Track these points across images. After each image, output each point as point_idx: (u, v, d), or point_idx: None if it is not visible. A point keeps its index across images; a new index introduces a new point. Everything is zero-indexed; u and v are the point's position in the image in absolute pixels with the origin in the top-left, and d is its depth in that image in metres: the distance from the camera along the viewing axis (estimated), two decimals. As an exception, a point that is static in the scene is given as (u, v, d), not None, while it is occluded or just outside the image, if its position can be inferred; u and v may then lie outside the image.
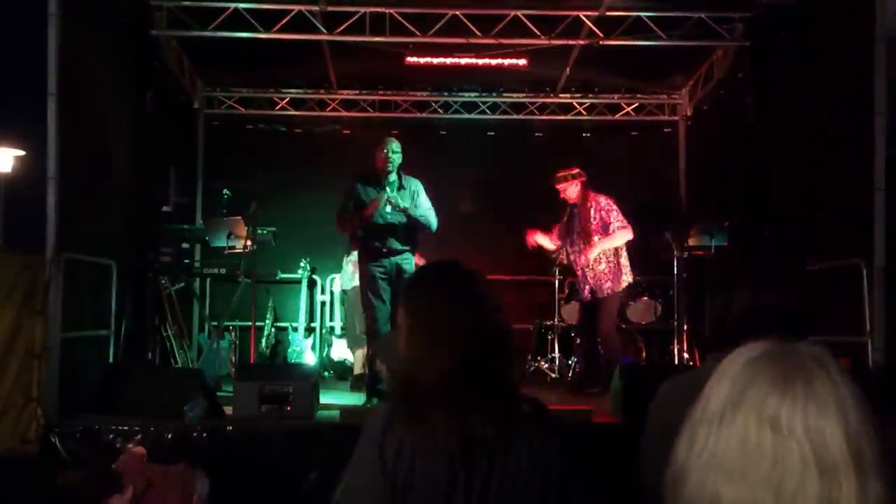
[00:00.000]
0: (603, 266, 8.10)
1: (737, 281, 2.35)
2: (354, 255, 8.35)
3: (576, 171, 8.26)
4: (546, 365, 9.55)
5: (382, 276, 7.27)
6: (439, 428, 2.04)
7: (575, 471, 2.16)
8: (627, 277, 8.19)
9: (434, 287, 2.30)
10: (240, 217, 8.60)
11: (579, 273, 8.27)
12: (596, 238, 8.01)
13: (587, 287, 8.17)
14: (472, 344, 2.14)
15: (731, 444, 1.35)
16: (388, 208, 7.27)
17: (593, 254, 8.01)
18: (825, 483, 1.28)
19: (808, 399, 1.32)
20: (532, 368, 9.60)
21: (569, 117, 11.60)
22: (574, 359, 9.50)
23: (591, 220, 8.09)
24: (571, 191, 8.23)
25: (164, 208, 9.05)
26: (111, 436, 5.96)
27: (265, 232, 8.96)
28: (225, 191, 9.11)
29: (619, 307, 9.69)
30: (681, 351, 8.81)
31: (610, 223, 8.03)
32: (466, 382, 2.09)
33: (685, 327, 9.03)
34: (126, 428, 5.96)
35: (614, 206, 8.11)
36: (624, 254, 8.19)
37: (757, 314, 2.38)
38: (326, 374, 10.04)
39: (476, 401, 2.07)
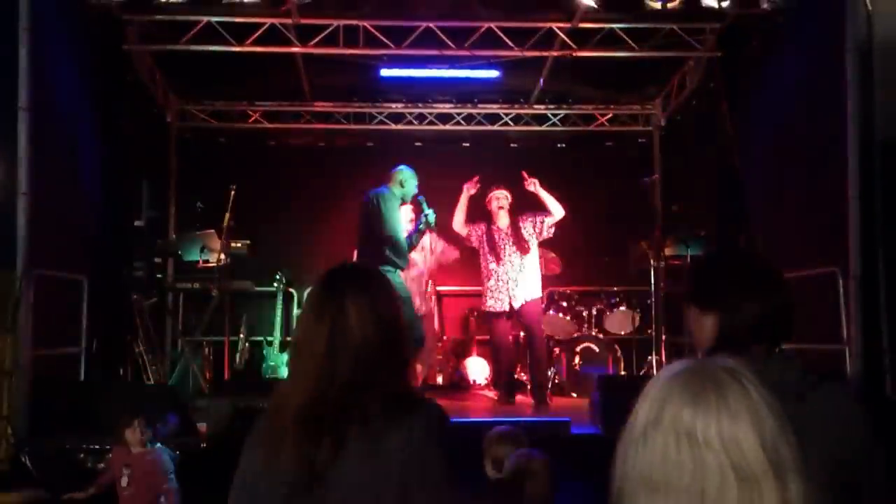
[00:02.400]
0: (523, 274, 8.36)
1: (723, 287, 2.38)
2: None
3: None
4: (525, 376, 9.51)
5: None
6: (284, 456, 2.00)
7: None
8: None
9: (310, 297, 2.21)
10: (213, 231, 8.53)
11: (496, 281, 8.37)
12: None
13: (506, 298, 8.31)
14: (335, 361, 2.04)
15: (654, 460, 1.40)
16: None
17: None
18: (745, 490, 1.33)
19: (721, 410, 1.38)
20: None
21: (543, 128, 11.61)
22: (554, 369, 9.47)
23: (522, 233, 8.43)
24: (507, 203, 8.51)
25: (137, 223, 8.96)
26: (82, 455, 5.88)
27: (239, 245, 8.89)
28: (199, 203, 9.03)
29: (598, 316, 9.76)
30: (659, 361, 8.81)
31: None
32: (320, 408, 2.01)
33: (663, 337, 9.04)
34: (97, 446, 5.88)
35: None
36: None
37: (733, 329, 2.35)
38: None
39: (327, 429, 1.99)
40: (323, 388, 2.02)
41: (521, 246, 8.33)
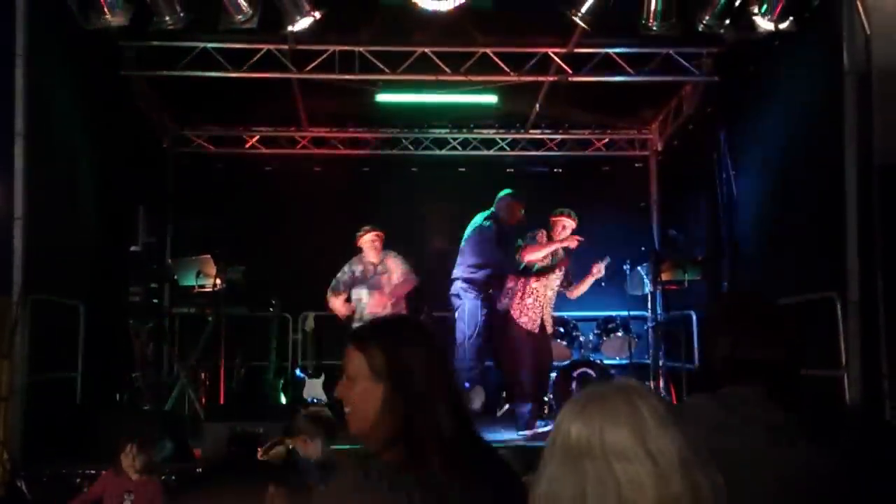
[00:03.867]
0: (527, 301, 8.26)
1: (714, 322, 2.33)
2: None
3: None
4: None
5: None
6: None
7: None
8: None
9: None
10: (209, 256, 8.51)
11: (541, 305, 8.29)
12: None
13: (538, 320, 8.24)
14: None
15: (544, 485, 1.45)
16: None
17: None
18: (627, 492, 1.37)
19: (605, 419, 1.42)
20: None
21: (540, 153, 11.63)
22: (550, 395, 9.43)
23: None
24: (568, 224, 8.29)
25: (133, 248, 8.93)
26: (78, 479, 5.85)
27: (235, 271, 8.87)
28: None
29: (594, 341, 9.74)
30: (657, 387, 8.77)
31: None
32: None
33: (661, 363, 9.01)
34: (93, 472, 5.84)
35: None
36: None
37: (735, 366, 2.38)
38: (299, 414, 9.89)
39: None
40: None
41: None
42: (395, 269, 8.82)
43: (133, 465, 5.23)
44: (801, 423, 2.24)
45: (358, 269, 8.84)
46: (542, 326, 8.21)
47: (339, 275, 8.86)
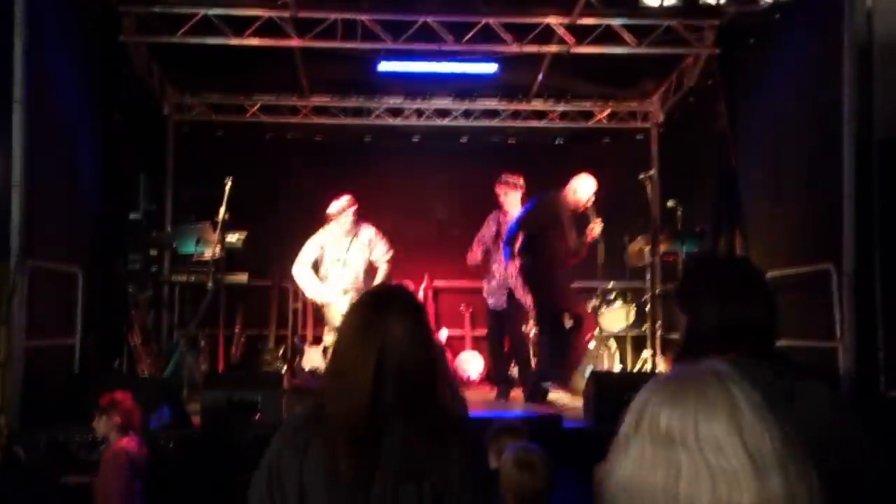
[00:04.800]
0: (508, 272, 8.44)
1: (703, 290, 2.33)
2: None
3: (521, 181, 8.35)
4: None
5: None
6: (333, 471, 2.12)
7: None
8: None
9: (354, 317, 2.35)
10: (208, 223, 8.52)
11: (499, 279, 8.35)
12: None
13: (505, 293, 8.44)
14: (380, 383, 2.16)
15: (629, 469, 1.38)
16: None
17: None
18: (722, 487, 1.30)
19: (699, 408, 1.35)
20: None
21: (542, 124, 11.60)
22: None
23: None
24: (512, 197, 8.36)
25: (133, 215, 8.95)
26: (75, 446, 5.88)
27: (235, 238, 8.89)
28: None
29: (593, 312, 9.76)
30: (654, 357, 8.81)
31: None
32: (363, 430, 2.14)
33: (658, 334, 9.04)
34: (91, 438, 5.86)
35: None
36: None
37: (721, 331, 2.37)
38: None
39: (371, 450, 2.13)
40: (368, 410, 2.11)
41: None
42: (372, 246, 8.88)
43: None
44: (795, 378, 2.24)
45: (325, 242, 8.97)
46: (512, 298, 8.43)
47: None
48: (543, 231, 8.12)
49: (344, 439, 2.10)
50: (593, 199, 8.31)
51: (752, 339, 2.32)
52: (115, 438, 5.18)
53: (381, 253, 8.73)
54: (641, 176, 8.62)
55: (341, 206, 8.64)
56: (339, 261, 8.72)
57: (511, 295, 8.53)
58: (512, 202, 8.57)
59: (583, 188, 8.27)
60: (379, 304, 2.27)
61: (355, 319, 2.27)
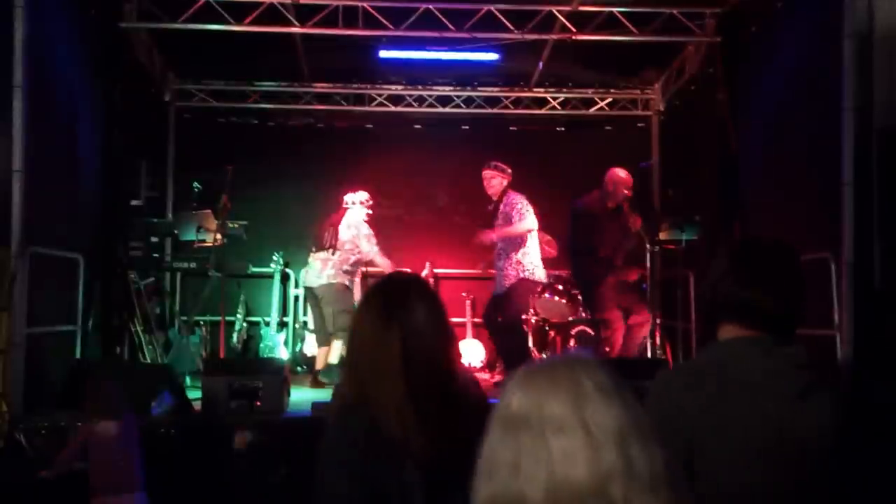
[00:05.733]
0: (501, 262, 8.32)
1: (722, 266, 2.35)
2: (323, 253, 8.45)
3: (505, 168, 8.38)
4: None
5: None
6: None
7: None
8: (534, 274, 8.33)
9: (373, 303, 2.38)
10: (209, 211, 8.53)
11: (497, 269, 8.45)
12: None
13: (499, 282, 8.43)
14: (409, 364, 2.21)
15: (483, 454, 1.48)
16: None
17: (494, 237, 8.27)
18: (559, 466, 1.37)
19: (545, 390, 1.44)
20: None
21: (543, 112, 11.59)
22: (548, 352, 9.51)
23: (499, 215, 8.34)
24: (495, 182, 8.38)
25: (134, 202, 8.95)
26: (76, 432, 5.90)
27: (236, 225, 8.90)
28: (195, 183, 9.03)
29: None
30: (653, 344, 8.83)
31: (512, 217, 8.22)
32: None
33: (658, 321, 9.06)
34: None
35: (520, 203, 8.27)
36: (526, 250, 8.30)
37: (732, 308, 2.36)
38: (299, 369, 9.99)
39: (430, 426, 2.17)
40: (406, 391, 2.17)
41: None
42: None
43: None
44: (810, 378, 2.24)
45: None
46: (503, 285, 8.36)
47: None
48: (588, 237, 8.29)
49: (400, 419, 2.14)
50: (628, 192, 8.27)
51: (767, 321, 2.30)
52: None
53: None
54: (643, 164, 8.61)
55: (358, 199, 8.74)
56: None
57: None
58: (496, 188, 8.47)
59: (616, 182, 8.26)
60: (398, 290, 2.33)
61: (375, 306, 2.30)
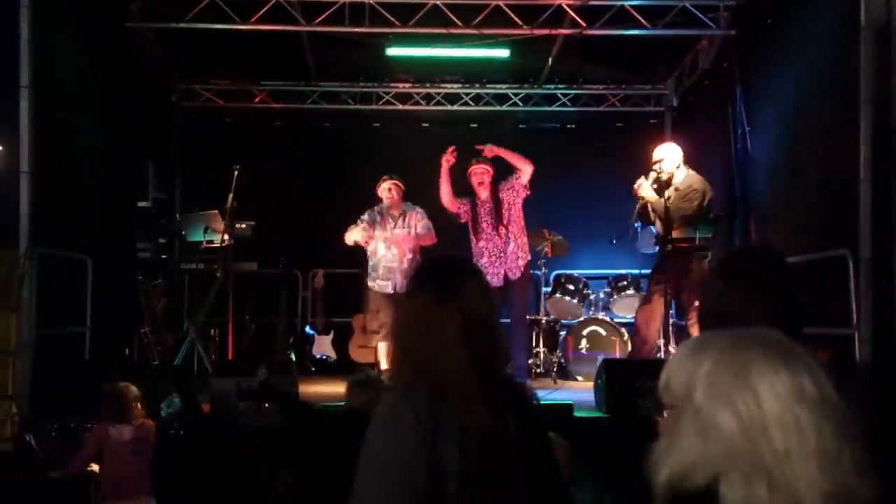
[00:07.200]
0: (511, 246, 8.09)
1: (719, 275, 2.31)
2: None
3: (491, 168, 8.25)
4: (531, 359, 9.46)
5: None
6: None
7: None
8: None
9: (427, 282, 2.38)
10: (216, 211, 8.48)
11: (488, 258, 8.16)
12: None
13: (501, 271, 8.10)
14: (470, 342, 2.20)
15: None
16: None
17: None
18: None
19: (809, 368, 1.45)
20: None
21: (553, 108, 11.51)
22: (559, 352, 9.43)
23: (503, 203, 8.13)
24: (486, 180, 8.21)
25: (142, 203, 8.92)
26: (86, 434, 5.84)
27: (244, 226, 8.85)
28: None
29: (605, 299, 9.67)
30: (667, 345, 8.73)
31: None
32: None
33: (671, 321, 8.95)
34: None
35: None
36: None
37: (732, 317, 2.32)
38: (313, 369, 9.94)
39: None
40: (470, 365, 2.15)
41: (504, 216, 8.15)
42: (416, 225, 8.52)
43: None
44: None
45: (377, 216, 8.53)
46: (507, 278, 8.13)
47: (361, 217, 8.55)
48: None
49: (464, 389, 2.12)
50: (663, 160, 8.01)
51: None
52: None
53: (422, 227, 8.50)
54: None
55: (379, 183, 8.54)
56: (382, 239, 8.47)
57: (505, 275, 8.26)
58: (486, 183, 8.33)
59: (657, 153, 8.01)
60: (448, 269, 2.33)
61: (428, 286, 2.28)
